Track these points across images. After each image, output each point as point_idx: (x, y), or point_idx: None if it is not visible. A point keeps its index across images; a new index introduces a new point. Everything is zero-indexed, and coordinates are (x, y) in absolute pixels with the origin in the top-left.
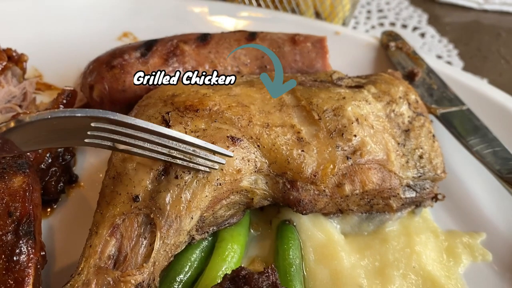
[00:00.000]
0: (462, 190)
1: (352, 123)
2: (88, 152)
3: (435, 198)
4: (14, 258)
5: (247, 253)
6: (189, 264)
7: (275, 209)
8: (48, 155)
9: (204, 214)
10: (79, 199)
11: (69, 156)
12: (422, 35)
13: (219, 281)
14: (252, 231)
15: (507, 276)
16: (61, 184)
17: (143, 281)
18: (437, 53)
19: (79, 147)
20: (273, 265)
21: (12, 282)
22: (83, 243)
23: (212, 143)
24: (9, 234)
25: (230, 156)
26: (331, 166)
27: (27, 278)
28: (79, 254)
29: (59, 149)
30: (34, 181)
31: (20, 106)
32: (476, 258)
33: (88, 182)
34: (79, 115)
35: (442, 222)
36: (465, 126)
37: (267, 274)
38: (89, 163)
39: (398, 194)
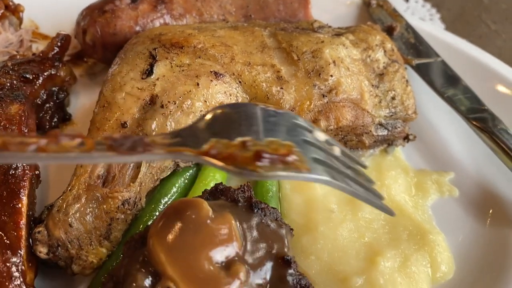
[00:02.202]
0: (433, 133)
1: (329, 64)
2: (82, 93)
3: (406, 138)
4: (11, 172)
5: (228, 184)
6: (174, 189)
7: None
8: (43, 91)
9: None
10: None
11: (62, 95)
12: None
13: None
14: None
15: (471, 211)
16: (55, 120)
17: (130, 198)
18: (420, 17)
19: (73, 87)
20: (248, 183)
21: (9, 191)
22: None
23: (196, 77)
24: None
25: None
26: (308, 103)
27: (22, 189)
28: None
29: (54, 88)
30: (29, 110)
31: (16, 52)
32: (444, 193)
33: (81, 121)
34: None
35: (413, 161)
36: (438, 76)
37: (242, 189)
38: (82, 104)
39: (370, 131)
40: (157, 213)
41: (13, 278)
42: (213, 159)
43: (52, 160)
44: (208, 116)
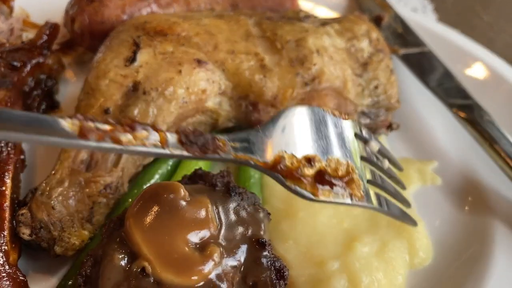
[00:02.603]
0: (418, 122)
1: (313, 53)
2: (70, 82)
3: (389, 127)
4: None
5: (212, 170)
6: (156, 176)
7: None
8: (30, 79)
9: (171, 130)
10: None
11: (51, 83)
12: None
13: None
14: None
15: (452, 199)
16: (43, 107)
17: (112, 183)
18: (412, 7)
19: (62, 76)
20: (229, 168)
21: None
22: None
23: (179, 64)
24: None
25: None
26: (290, 91)
27: (6, 173)
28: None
29: (42, 76)
30: (15, 96)
31: (6, 40)
32: (426, 181)
33: (69, 108)
34: None
35: (397, 150)
36: (425, 65)
37: (222, 175)
38: (71, 91)
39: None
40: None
41: None
42: (279, 175)
43: (126, 152)
44: (279, 121)
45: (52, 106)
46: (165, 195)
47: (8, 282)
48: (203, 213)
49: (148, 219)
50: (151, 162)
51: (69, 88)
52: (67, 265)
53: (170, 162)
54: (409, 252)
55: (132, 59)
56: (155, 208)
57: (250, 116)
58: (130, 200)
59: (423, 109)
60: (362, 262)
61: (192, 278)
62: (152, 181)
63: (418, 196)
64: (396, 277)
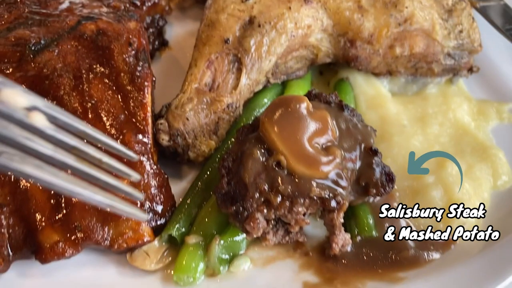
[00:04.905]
0: (493, 68)
1: None
2: (175, 24)
3: (470, 69)
4: (137, 74)
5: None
6: (265, 101)
7: (333, 74)
8: (148, 17)
9: (278, 61)
10: (170, 57)
11: (162, 22)
12: None
13: None
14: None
15: None
16: (156, 45)
17: (232, 103)
18: None
19: (169, 18)
20: (336, 92)
21: (136, 88)
22: (174, 92)
23: (288, 1)
24: (131, 57)
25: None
26: (386, 30)
27: (146, 88)
28: (171, 98)
29: (155, 15)
30: (143, 29)
31: None
32: (503, 119)
33: (177, 47)
34: None
35: (475, 93)
36: (502, 17)
37: (334, 95)
38: (176, 32)
39: (439, 59)
40: (250, 121)
41: (145, 156)
42: None
43: None
44: None
45: (163, 44)
46: (293, 104)
47: (156, 178)
48: (324, 122)
49: (281, 122)
50: (260, 90)
51: (173, 29)
52: (192, 173)
53: (276, 90)
54: (492, 175)
55: None
56: (286, 114)
57: (348, 52)
58: (244, 120)
59: (500, 56)
60: (454, 178)
61: (320, 171)
62: (261, 106)
63: (496, 131)
64: (483, 192)
